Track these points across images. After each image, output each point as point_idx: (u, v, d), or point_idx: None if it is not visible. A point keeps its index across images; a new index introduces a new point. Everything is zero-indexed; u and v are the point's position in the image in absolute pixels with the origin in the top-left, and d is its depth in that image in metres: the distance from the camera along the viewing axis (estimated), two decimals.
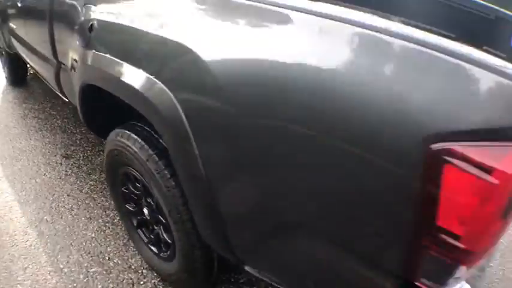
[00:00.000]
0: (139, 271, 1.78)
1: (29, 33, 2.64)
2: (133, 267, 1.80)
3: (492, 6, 1.89)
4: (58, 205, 2.22)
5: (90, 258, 1.85)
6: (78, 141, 2.89)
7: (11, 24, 3.06)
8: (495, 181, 0.70)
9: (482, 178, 0.71)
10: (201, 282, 1.52)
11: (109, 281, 1.73)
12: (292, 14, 0.95)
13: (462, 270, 0.82)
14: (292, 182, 0.96)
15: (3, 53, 3.78)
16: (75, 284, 1.73)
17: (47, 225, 2.07)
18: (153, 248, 1.67)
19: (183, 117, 1.08)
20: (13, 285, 1.72)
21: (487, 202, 0.73)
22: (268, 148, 0.97)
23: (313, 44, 0.89)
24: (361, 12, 0.88)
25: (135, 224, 1.73)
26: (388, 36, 0.81)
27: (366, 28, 0.84)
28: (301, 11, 0.93)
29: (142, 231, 1.72)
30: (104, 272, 1.78)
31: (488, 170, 0.70)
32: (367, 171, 0.83)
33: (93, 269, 1.80)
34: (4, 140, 2.92)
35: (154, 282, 1.72)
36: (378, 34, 0.82)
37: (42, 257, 1.87)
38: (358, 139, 0.81)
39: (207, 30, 1.10)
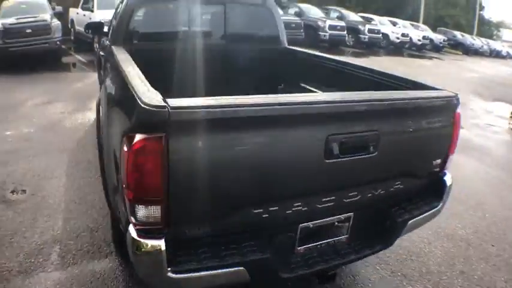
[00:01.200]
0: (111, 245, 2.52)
1: (105, 81, 3.76)
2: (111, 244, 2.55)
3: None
4: (92, 204, 3.14)
5: (89, 233, 2.69)
6: None
7: (102, 72, 4.30)
8: (129, 151, 1.37)
9: (126, 150, 1.39)
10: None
11: (89, 244, 2.53)
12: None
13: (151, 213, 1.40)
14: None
15: None
16: (71, 243, 2.55)
17: (75, 206, 2.97)
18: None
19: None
20: (35, 232, 2.66)
21: (133, 165, 1.38)
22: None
23: None
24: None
25: None
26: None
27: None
28: None
29: None
30: (91, 241, 2.57)
31: (129, 145, 1.37)
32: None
33: (84, 235, 2.61)
34: (77, 168, 4.05)
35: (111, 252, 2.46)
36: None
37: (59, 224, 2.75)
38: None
39: None
